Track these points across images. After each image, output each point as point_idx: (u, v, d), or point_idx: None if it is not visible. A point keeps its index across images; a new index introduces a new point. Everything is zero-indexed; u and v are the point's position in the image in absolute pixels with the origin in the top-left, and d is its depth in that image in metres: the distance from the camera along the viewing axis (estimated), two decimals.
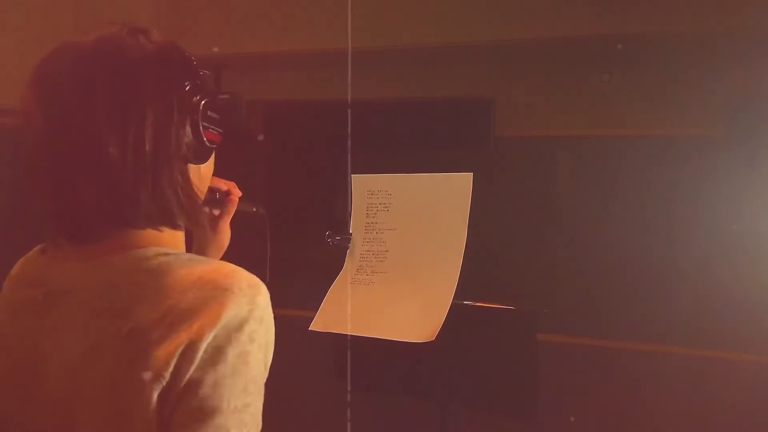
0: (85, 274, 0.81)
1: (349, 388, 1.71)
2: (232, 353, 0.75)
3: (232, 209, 1.07)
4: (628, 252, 2.94)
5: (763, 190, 2.79)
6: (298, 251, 2.68)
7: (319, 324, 1.53)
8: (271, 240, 1.20)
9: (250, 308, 0.77)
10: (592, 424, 2.72)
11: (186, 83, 0.85)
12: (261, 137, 2.84)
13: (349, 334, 1.52)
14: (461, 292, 1.45)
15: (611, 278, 2.90)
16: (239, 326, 0.76)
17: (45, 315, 0.82)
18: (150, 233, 0.84)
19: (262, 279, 0.82)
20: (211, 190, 1.02)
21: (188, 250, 0.91)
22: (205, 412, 0.74)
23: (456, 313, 1.42)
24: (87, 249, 0.83)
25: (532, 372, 1.54)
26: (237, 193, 1.08)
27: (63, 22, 3.05)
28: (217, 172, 1.02)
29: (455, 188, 1.51)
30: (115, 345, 0.76)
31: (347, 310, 1.54)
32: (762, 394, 2.52)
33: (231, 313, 0.76)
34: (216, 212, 1.07)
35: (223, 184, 1.07)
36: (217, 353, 0.75)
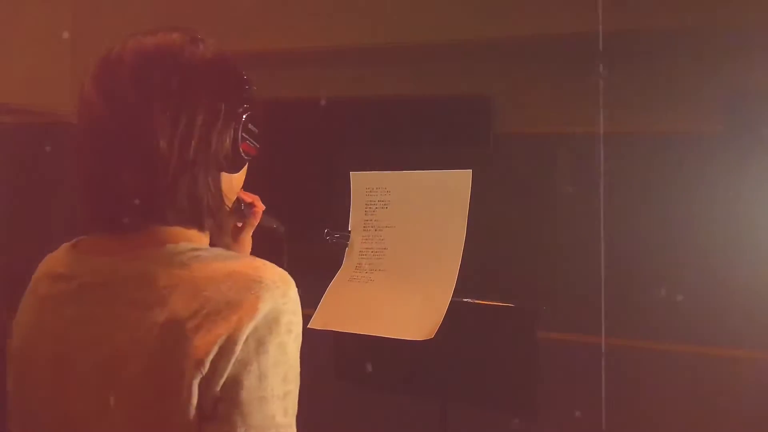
0: (119, 267, 0.84)
1: (347, 385, 1.71)
2: (272, 344, 0.78)
3: (255, 222, 1.11)
4: (628, 249, 2.94)
5: (763, 186, 2.79)
6: (296, 248, 2.67)
7: (317, 322, 1.53)
8: (288, 258, 1.23)
9: (285, 300, 0.80)
10: (593, 422, 2.72)
11: (233, 93, 0.89)
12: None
13: (347, 331, 1.51)
14: (460, 290, 1.45)
15: (611, 275, 2.90)
16: (277, 318, 0.79)
17: (78, 307, 0.84)
18: (180, 231, 0.87)
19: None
20: (237, 201, 1.04)
21: None
22: (252, 403, 0.76)
23: (455, 310, 1.42)
24: (118, 244, 0.86)
25: (532, 369, 1.53)
26: (261, 206, 1.12)
27: (61, 21, 3.05)
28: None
29: (454, 185, 1.51)
30: (152, 335, 0.78)
31: (346, 308, 1.53)
32: (765, 391, 2.52)
33: (268, 305, 0.78)
34: (239, 224, 1.10)
35: (248, 197, 1.10)
36: (259, 345, 0.77)
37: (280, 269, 0.84)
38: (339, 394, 2.00)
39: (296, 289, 0.84)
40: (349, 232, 1.60)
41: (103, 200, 0.87)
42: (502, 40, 3.02)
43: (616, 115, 3.12)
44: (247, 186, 1.10)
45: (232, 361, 0.76)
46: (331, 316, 1.53)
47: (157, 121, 0.83)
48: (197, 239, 0.88)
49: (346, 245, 1.59)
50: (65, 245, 0.93)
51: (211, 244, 0.92)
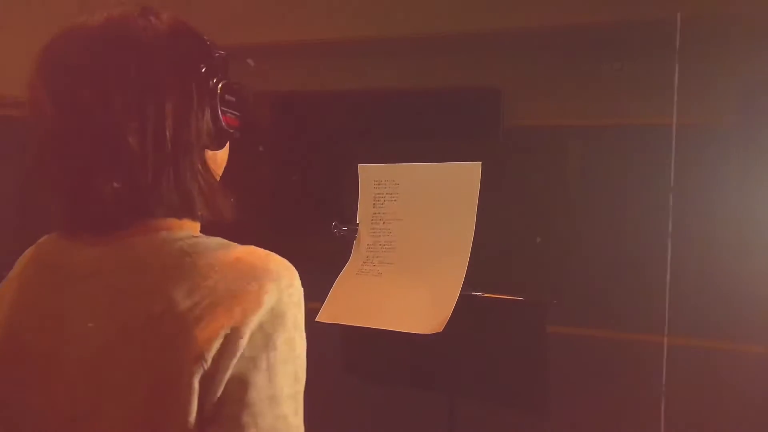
0: (110, 256, 0.77)
1: (356, 380, 1.70)
2: (280, 340, 0.72)
3: None
4: (639, 243, 2.91)
5: None
6: (304, 242, 2.66)
7: (325, 315, 1.52)
8: (278, 222, 1.18)
9: (290, 292, 0.75)
10: (603, 416, 2.70)
11: (202, 65, 0.80)
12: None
13: (356, 325, 1.50)
14: (469, 283, 1.43)
15: (622, 269, 2.88)
16: (284, 312, 0.73)
17: (65, 299, 0.78)
18: (174, 220, 0.80)
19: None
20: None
21: None
22: (262, 402, 0.71)
23: (464, 304, 1.40)
24: (109, 234, 0.79)
25: (542, 364, 1.52)
26: None
27: (68, 10, 3.03)
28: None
29: (463, 178, 1.49)
30: (147, 326, 0.72)
31: (354, 302, 1.52)
32: None
33: (273, 297, 0.73)
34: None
35: None
36: (266, 341, 0.72)
37: (284, 259, 0.78)
38: (347, 389, 1.99)
39: (299, 280, 0.77)
40: (357, 225, 1.59)
41: (78, 207, 0.80)
42: (512, 31, 3.00)
43: (628, 107, 3.09)
44: (254, 179, 1.08)
45: (237, 356, 0.70)
46: (339, 310, 1.52)
47: (121, 117, 0.74)
48: (191, 227, 0.81)
49: (354, 238, 1.58)
50: (53, 234, 0.85)
51: (207, 225, 0.85)
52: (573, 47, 3.19)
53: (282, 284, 0.74)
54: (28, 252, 0.87)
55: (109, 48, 0.77)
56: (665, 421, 2.68)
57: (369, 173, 1.60)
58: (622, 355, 2.87)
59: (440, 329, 1.38)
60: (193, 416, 0.69)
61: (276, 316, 0.73)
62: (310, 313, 1.52)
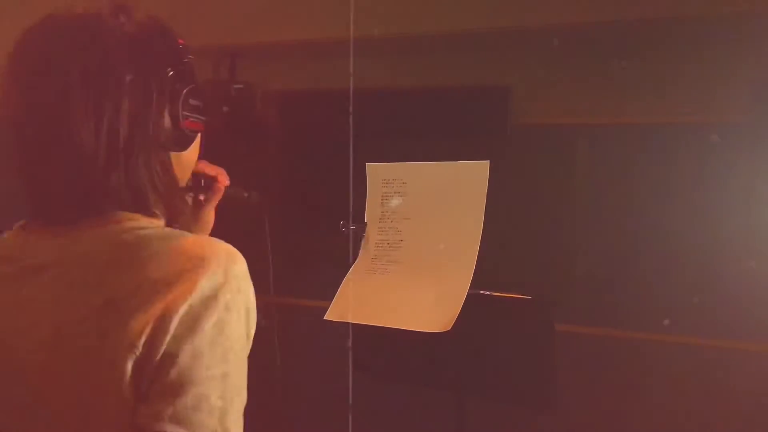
0: (60, 249, 0.80)
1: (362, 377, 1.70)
2: (208, 323, 0.74)
3: (217, 197, 1.06)
4: (647, 242, 2.91)
5: None
6: (312, 241, 2.67)
7: (334, 313, 1.52)
8: (285, 221, 1.19)
9: (226, 278, 0.76)
10: (611, 415, 2.70)
11: (168, 69, 0.82)
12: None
13: (363, 323, 1.51)
14: (477, 282, 1.43)
15: (630, 268, 2.87)
16: (214, 295, 0.75)
17: (19, 290, 0.81)
18: (126, 214, 0.82)
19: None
20: (197, 176, 1.00)
21: None
22: (183, 382, 0.73)
23: (472, 302, 1.40)
24: (62, 226, 0.82)
25: (550, 363, 1.52)
26: (224, 180, 1.06)
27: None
28: (230, 160, 1.01)
29: (471, 176, 1.49)
30: (90, 317, 0.75)
31: (362, 300, 1.52)
32: None
33: (206, 282, 0.75)
34: (201, 197, 1.05)
35: (212, 170, 1.05)
36: (193, 323, 0.73)
37: (228, 246, 0.79)
38: (354, 386, 1.99)
39: (244, 265, 0.79)
40: (365, 223, 1.59)
41: (36, 194, 0.83)
42: (520, 29, 2.99)
43: (637, 106, 3.08)
44: (262, 177, 1.09)
45: (166, 340, 0.72)
46: (347, 308, 1.52)
47: (78, 110, 0.77)
48: (146, 221, 0.83)
49: (362, 237, 1.58)
50: (16, 226, 0.88)
51: (169, 224, 0.87)
52: (581, 45, 3.18)
53: (218, 270, 0.76)
54: None
55: (74, 44, 0.79)
56: (671, 420, 2.68)
57: (377, 172, 1.61)
58: (630, 353, 2.86)
59: (448, 328, 1.38)
60: (128, 397, 0.73)
61: (206, 299, 0.74)
62: (319, 311, 1.53)
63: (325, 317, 1.52)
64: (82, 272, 0.78)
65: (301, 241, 2.88)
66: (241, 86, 2.96)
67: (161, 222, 0.86)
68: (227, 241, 1.02)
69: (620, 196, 2.95)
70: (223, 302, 0.75)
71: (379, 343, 1.68)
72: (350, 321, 1.53)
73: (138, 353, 0.72)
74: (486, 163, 1.48)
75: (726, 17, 2.81)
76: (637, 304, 2.85)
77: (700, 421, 2.60)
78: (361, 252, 1.58)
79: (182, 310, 0.73)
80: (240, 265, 0.78)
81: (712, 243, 2.79)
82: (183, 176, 0.89)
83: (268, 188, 1.17)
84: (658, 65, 3.05)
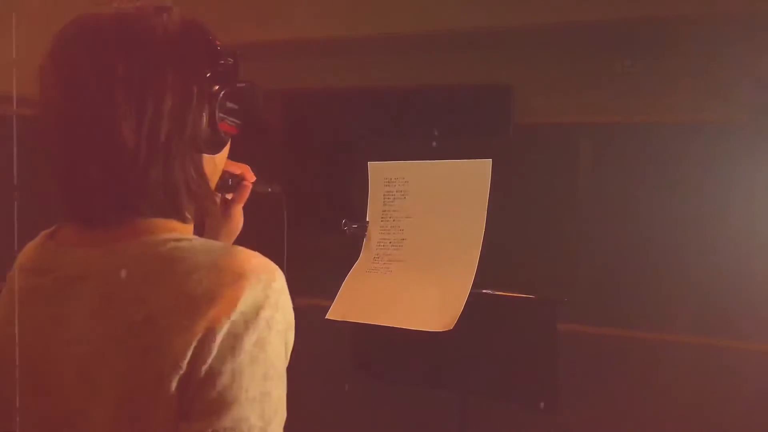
0: (96, 261, 0.79)
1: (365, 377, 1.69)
2: (249, 341, 0.73)
3: (245, 195, 1.05)
4: (650, 241, 2.90)
5: None
6: (314, 239, 2.66)
7: (336, 313, 1.52)
8: (288, 220, 1.18)
9: (266, 294, 0.75)
10: (613, 414, 2.69)
11: (207, 70, 0.82)
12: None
13: (366, 322, 1.50)
14: (480, 281, 1.42)
15: (633, 267, 2.87)
16: (255, 313, 0.74)
17: (55, 302, 0.80)
18: (160, 221, 0.82)
19: (279, 260, 0.80)
20: (224, 175, 0.99)
21: (199, 235, 0.89)
22: (223, 403, 0.72)
23: (475, 302, 1.40)
24: (97, 235, 0.81)
25: (552, 362, 1.51)
26: (250, 177, 1.05)
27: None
28: (234, 159, 1.00)
29: (474, 175, 1.48)
30: (130, 332, 0.74)
31: (364, 299, 1.52)
32: None
33: (247, 299, 0.74)
34: (228, 197, 1.04)
35: (236, 168, 1.03)
36: (234, 341, 0.73)
37: (266, 260, 0.78)
38: (357, 386, 1.99)
39: (283, 280, 0.78)
40: (367, 222, 1.58)
41: (73, 195, 0.82)
42: (523, 28, 2.99)
43: (640, 105, 3.07)
44: (265, 175, 1.08)
45: (209, 359, 0.72)
46: (349, 308, 1.52)
47: (120, 109, 0.76)
48: (180, 229, 0.83)
49: (364, 236, 1.58)
50: (43, 234, 0.88)
51: (199, 226, 0.86)
52: (584, 45, 3.18)
53: (258, 287, 0.75)
54: (18, 258, 0.89)
55: (119, 41, 0.78)
56: (675, 418, 2.67)
57: (379, 171, 1.60)
58: (633, 352, 2.86)
59: (450, 327, 1.38)
60: (172, 415, 0.72)
61: (247, 318, 0.74)
62: (321, 311, 1.52)
63: (327, 316, 1.51)
64: (120, 286, 0.77)
65: (302, 239, 2.87)
66: (243, 84, 2.96)
67: (191, 227, 0.86)
68: (246, 233, 1.02)
69: (623, 195, 2.95)
70: (264, 320, 0.75)
71: (381, 343, 1.67)
72: (352, 320, 1.52)
73: (182, 372, 0.72)
74: (488, 162, 1.47)
75: (731, 16, 2.80)
76: (640, 304, 2.85)
77: (704, 419, 2.59)
78: (362, 251, 1.58)
79: (224, 328, 0.73)
80: (279, 281, 0.78)
81: (716, 242, 2.78)
82: (213, 179, 0.88)
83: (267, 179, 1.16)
84: (662, 64, 3.04)
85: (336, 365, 1.84)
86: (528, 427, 2.03)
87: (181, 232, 0.83)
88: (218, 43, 0.84)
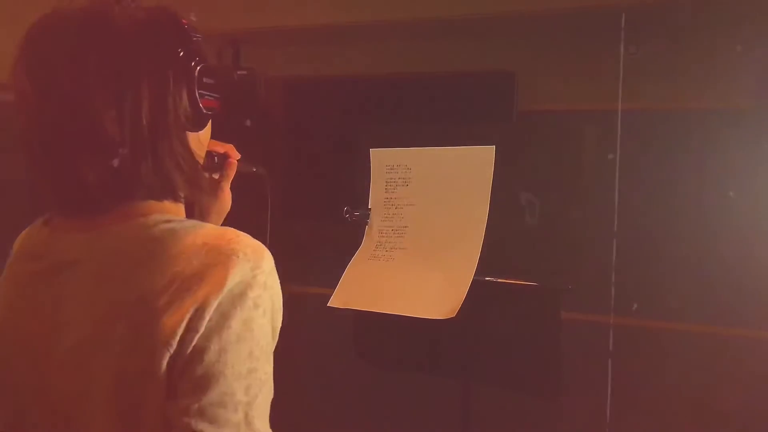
0: (89, 245, 0.81)
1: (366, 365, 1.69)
2: (236, 319, 0.75)
3: (232, 172, 1.06)
4: (655, 229, 2.89)
5: None
6: (316, 227, 2.65)
7: (337, 300, 1.51)
8: (272, 200, 1.18)
9: (254, 274, 0.77)
10: (617, 402, 2.69)
11: (179, 50, 0.83)
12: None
13: (368, 310, 1.50)
14: (483, 268, 1.42)
15: (637, 255, 2.86)
16: (243, 292, 0.76)
17: (51, 287, 0.81)
18: (153, 203, 0.83)
19: (263, 240, 0.80)
20: (210, 155, 1.00)
21: (190, 215, 0.90)
22: (209, 379, 0.74)
23: (477, 289, 1.39)
24: (90, 220, 0.82)
25: (556, 350, 1.51)
26: (236, 155, 1.06)
27: None
28: (237, 147, 1.00)
29: (477, 162, 1.47)
30: (124, 313, 0.76)
31: (366, 287, 1.51)
32: None
33: (235, 279, 0.75)
34: (215, 176, 1.05)
35: (221, 147, 1.04)
36: (221, 320, 0.74)
37: (255, 241, 0.80)
38: (359, 374, 1.99)
39: (271, 261, 0.80)
40: (369, 210, 1.58)
41: (61, 189, 0.83)
42: (526, 14, 2.96)
43: (641, 91, 3.05)
44: (266, 164, 1.07)
45: (197, 337, 0.73)
46: (351, 295, 1.51)
47: (98, 102, 0.77)
48: (172, 210, 0.84)
49: (366, 223, 1.57)
50: (38, 221, 0.89)
51: (189, 205, 0.87)
52: (588, 30, 3.15)
53: (246, 266, 0.76)
54: (16, 244, 0.90)
55: (87, 34, 0.79)
56: (678, 407, 2.67)
57: (381, 158, 1.59)
58: (636, 341, 2.85)
59: (453, 314, 1.37)
60: (163, 395, 0.74)
61: (235, 296, 0.75)
62: (323, 298, 1.52)
63: (329, 304, 1.51)
64: (113, 268, 0.78)
65: (304, 227, 2.87)
66: (244, 72, 2.95)
67: (182, 207, 0.87)
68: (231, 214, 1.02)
69: (627, 182, 2.93)
70: (252, 299, 0.76)
71: (384, 330, 1.67)
72: (354, 308, 1.51)
73: (172, 351, 0.74)
74: (492, 148, 1.46)
75: (735, 3, 2.77)
76: (644, 292, 2.84)
77: (709, 407, 2.59)
78: (364, 238, 1.57)
79: (212, 307, 0.74)
80: (267, 261, 0.79)
81: (721, 230, 2.77)
82: (200, 156, 0.90)
83: (271, 174, 1.16)
84: (666, 51, 3.02)
85: (338, 353, 1.84)
86: (531, 415, 2.03)
87: (172, 214, 0.84)
88: (185, 21, 0.85)
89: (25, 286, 0.85)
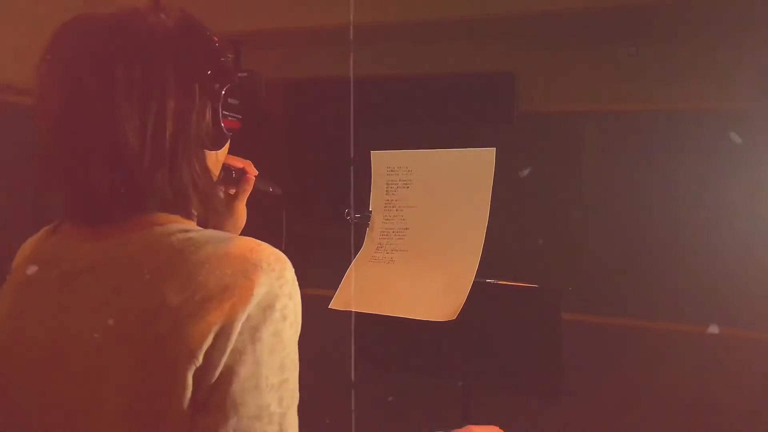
0: (103, 253, 0.79)
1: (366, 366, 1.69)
2: (266, 332, 0.74)
3: (248, 188, 1.05)
4: (654, 230, 2.89)
5: None
6: (317, 229, 2.66)
7: (338, 302, 1.51)
8: (287, 221, 1.18)
9: (280, 284, 0.76)
10: (618, 403, 2.69)
11: (207, 68, 0.82)
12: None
13: (369, 312, 1.50)
14: (484, 270, 1.42)
15: (638, 257, 2.86)
16: (271, 304, 0.75)
17: (63, 295, 0.79)
18: (166, 216, 0.82)
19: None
20: (227, 169, 0.99)
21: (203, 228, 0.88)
22: (244, 393, 0.73)
23: (478, 291, 1.39)
24: (102, 229, 0.81)
25: (556, 351, 1.51)
26: (253, 171, 1.05)
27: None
28: (235, 151, 1.00)
29: (477, 164, 1.47)
30: (142, 321, 0.74)
31: (367, 289, 1.51)
32: None
33: (262, 290, 0.74)
34: (231, 191, 1.04)
35: (239, 162, 1.03)
36: (253, 332, 0.73)
37: (276, 250, 0.78)
38: (360, 376, 1.99)
39: (293, 271, 0.78)
40: (370, 212, 1.58)
41: (74, 195, 0.82)
42: (527, 16, 2.96)
43: (643, 92, 3.05)
44: (266, 166, 1.07)
45: (227, 351, 0.72)
46: (352, 297, 1.51)
47: (122, 111, 0.76)
48: (185, 223, 0.83)
49: (367, 225, 1.57)
50: (45, 229, 0.87)
51: (203, 222, 0.86)
52: (587, 32, 3.15)
53: (272, 276, 0.75)
54: (20, 252, 0.89)
55: (118, 42, 0.78)
56: (678, 408, 2.67)
57: (382, 160, 1.59)
58: (636, 342, 2.86)
59: (454, 316, 1.37)
60: (186, 408, 0.72)
61: (264, 309, 0.74)
62: (324, 300, 1.52)
63: (330, 306, 1.51)
64: (130, 276, 0.76)
65: (305, 229, 2.87)
66: (245, 74, 2.94)
67: (195, 223, 0.85)
68: (246, 231, 1.02)
69: (627, 183, 2.93)
70: (279, 310, 0.75)
71: (384, 332, 1.67)
72: (355, 310, 1.52)
73: (198, 364, 0.72)
74: (492, 151, 1.46)
75: (733, 4, 2.78)
76: (644, 293, 2.84)
77: (708, 408, 2.60)
78: (365, 241, 1.57)
79: (242, 318, 0.73)
80: (290, 271, 0.78)
81: (720, 232, 2.77)
82: (215, 172, 0.89)
83: (271, 175, 1.16)
84: (666, 52, 3.02)
85: (339, 355, 1.84)
86: (532, 417, 2.04)
87: (187, 224, 0.83)
88: (216, 39, 0.84)
89: (32, 295, 0.82)
